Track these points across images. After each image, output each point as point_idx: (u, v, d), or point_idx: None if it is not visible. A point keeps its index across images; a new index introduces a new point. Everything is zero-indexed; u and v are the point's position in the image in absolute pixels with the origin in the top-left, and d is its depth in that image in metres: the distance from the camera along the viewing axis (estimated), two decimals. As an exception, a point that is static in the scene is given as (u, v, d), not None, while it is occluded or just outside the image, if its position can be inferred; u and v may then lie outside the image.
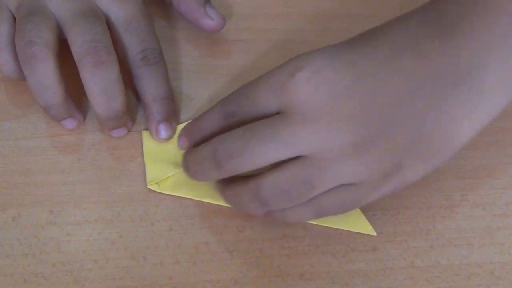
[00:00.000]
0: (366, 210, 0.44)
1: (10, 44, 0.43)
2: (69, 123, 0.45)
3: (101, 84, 0.42)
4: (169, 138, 0.45)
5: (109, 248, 0.43)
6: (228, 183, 0.41)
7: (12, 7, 0.44)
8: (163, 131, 0.45)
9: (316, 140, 0.37)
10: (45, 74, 0.42)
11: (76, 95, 0.46)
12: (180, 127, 0.46)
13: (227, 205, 0.43)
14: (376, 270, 0.43)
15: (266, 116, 0.38)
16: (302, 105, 0.37)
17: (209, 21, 0.47)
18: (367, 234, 0.44)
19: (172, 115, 0.45)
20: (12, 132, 0.46)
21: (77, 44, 0.42)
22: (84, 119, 0.46)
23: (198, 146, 0.40)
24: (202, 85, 0.48)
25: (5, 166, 0.45)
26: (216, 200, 0.44)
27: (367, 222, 0.43)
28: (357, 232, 0.44)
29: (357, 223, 0.43)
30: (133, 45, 0.44)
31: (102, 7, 0.44)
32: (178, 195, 0.44)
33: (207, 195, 0.44)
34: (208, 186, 0.44)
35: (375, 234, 0.43)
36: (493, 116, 0.38)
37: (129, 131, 0.46)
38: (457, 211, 0.44)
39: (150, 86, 0.45)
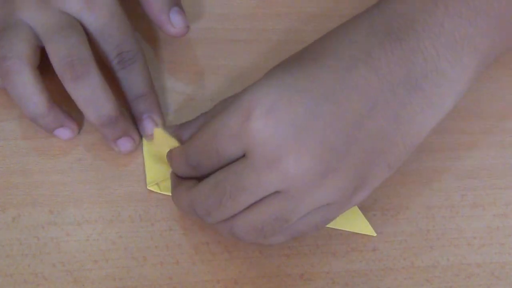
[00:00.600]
0: (366, 210, 0.44)
1: None
2: (62, 133, 0.45)
3: (85, 95, 0.42)
4: (154, 133, 0.45)
5: (109, 248, 0.43)
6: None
7: None
8: (147, 127, 0.45)
9: (285, 179, 0.36)
10: (23, 86, 0.42)
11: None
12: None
13: None
14: (376, 270, 0.43)
15: (232, 161, 0.38)
16: (264, 148, 0.36)
17: (171, 28, 0.46)
18: (367, 234, 0.44)
19: (153, 110, 0.45)
20: (12, 132, 0.46)
21: (55, 61, 0.42)
22: (80, 128, 0.46)
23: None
24: (202, 85, 0.48)
25: (5, 166, 0.45)
26: None
27: (367, 223, 0.43)
28: (357, 233, 0.44)
29: (357, 224, 0.43)
30: (108, 52, 0.44)
31: (74, 15, 0.43)
32: None
33: None
34: None
35: (375, 234, 0.43)
36: (444, 115, 0.39)
37: (137, 144, 0.45)
38: (457, 211, 0.44)
39: (128, 87, 0.45)
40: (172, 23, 0.46)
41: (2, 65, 0.42)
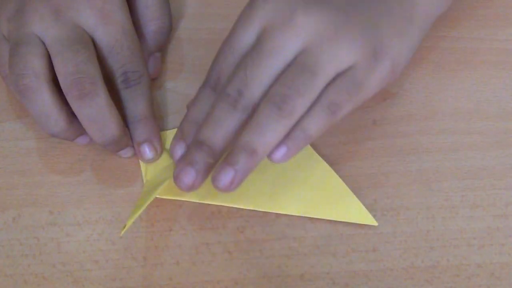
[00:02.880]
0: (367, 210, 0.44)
1: None
2: (82, 140, 0.44)
3: (89, 115, 0.41)
4: (154, 158, 0.45)
5: (109, 248, 0.43)
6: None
7: (5, 33, 0.44)
8: (146, 152, 0.44)
9: (299, 31, 0.39)
10: (42, 104, 0.41)
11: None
12: (172, 132, 0.46)
13: (225, 205, 0.44)
14: (376, 270, 0.43)
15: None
16: (275, 15, 0.40)
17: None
18: (367, 235, 0.43)
19: (153, 135, 0.44)
20: (12, 132, 0.46)
21: (62, 76, 0.41)
22: None
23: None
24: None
25: (5, 166, 0.45)
26: (214, 200, 0.44)
27: (367, 213, 0.43)
28: (357, 233, 0.43)
29: (358, 214, 0.43)
30: (114, 69, 0.44)
31: (87, 29, 0.43)
32: (176, 198, 0.44)
33: (204, 196, 0.44)
34: (206, 187, 0.44)
35: (376, 224, 0.43)
36: None
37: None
38: (457, 212, 0.44)
39: (129, 108, 0.44)
40: (148, 65, 0.47)
41: (19, 83, 0.41)
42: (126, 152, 0.45)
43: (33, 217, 0.44)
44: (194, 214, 0.44)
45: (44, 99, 0.41)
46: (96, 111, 0.41)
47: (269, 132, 0.39)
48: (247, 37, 0.41)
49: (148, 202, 0.41)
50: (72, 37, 0.42)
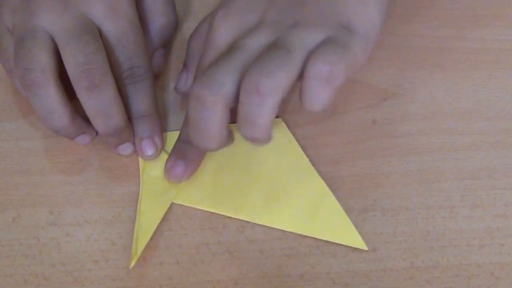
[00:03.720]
0: (366, 210, 0.44)
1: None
2: (82, 139, 0.44)
3: (97, 106, 0.41)
4: (154, 156, 0.44)
5: (109, 248, 0.43)
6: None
7: (9, 26, 0.43)
8: (147, 149, 0.44)
9: (269, 30, 0.39)
10: (47, 99, 0.41)
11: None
12: (172, 134, 0.46)
13: (220, 213, 0.44)
14: (376, 270, 0.43)
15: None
16: (241, 24, 0.41)
17: None
18: (367, 235, 0.43)
19: (155, 132, 0.44)
20: (12, 132, 0.46)
21: (71, 66, 0.41)
22: (97, 133, 0.45)
23: None
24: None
25: (5, 166, 0.45)
26: (208, 207, 0.44)
27: (358, 236, 0.43)
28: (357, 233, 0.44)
29: (349, 237, 0.43)
30: (120, 62, 0.44)
31: (95, 20, 0.43)
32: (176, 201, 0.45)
33: (198, 203, 0.44)
34: (202, 194, 0.44)
35: (366, 248, 0.43)
36: None
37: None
38: (457, 212, 0.44)
39: (133, 104, 0.44)
40: (152, 60, 0.47)
41: (25, 77, 0.41)
42: (126, 148, 0.45)
43: (33, 217, 0.44)
44: (194, 213, 0.44)
45: (50, 94, 0.41)
46: (104, 102, 0.41)
47: (259, 118, 0.37)
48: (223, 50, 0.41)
49: (155, 226, 0.43)
50: (81, 28, 0.42)
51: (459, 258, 0.43)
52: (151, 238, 0.43)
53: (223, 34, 0.41)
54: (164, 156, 0.45)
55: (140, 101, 0.44)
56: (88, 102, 0.41)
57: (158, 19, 0.47)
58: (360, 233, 0.43)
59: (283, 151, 0.45)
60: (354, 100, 0.47)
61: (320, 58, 0.37)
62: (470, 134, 0.47)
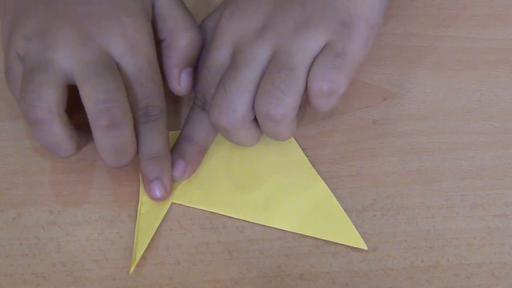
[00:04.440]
0: (366, 210, 0.44)
1: None
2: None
3: (113, 145, 0.40)
4: (163, 198, 0.43)
5: (109, 248, 0.43)
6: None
7: (21, 53, 0.41)
8: (156, 191, 0.43)
9: (267, 39, 0.41)
10: (52, 136, 0.40)
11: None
12: (172, 134, 0.46)
13: (220, 213, 0.44)
14: (376, 270, 0.43)
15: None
16: (242, 31, 0.42)
17: (176, 84, 0.45)
18: (367, 234, 0.43)
19: (164, 174, 0.43)
20: (12, 132, 0.46)
21: (90, 103, 0.40)
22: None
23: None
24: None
25: (5, 166, 0.45)
26: (209, 207, 0.44)
27: (358, 236, 0.43)
28: (357, 232, 0.44)
29: (349, 237, 0.43)
30: (136, 100, 0.42)
31: (114, 55, 0.41)
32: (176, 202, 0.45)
33: (199, 203, 0.44)
34: (201, 194, 0.44)
35: (366, 248, 0.43)
36: None
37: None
38: (457, 212, 0.44)
39: (145, 143, 0.43)
40: (180, 80, 0.45)
41: (31, 113, 0.39)
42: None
43: (33, 216, 0.44)
44: (194, 213, 0.44)
45: (55, 132, 0.40)
46: (119, 143, 0.40)
47: (280, 134, 0.43)
48: (221, 57, 0.43)
49: (154, 229, 0.43)
50: (100, 64, 0.40)
51: (459, 257, 0.43)
52: (151, 238, 0.43)
53: (229, 33, 0.43)
54: None
55: (153, 141, 0.43)
56: (104, 140, 0.40)
57: (183, 36, 0.45)
58: (360, 232, 0.43)
59: (283, 151, 0.46)
60: (354, 100, 0.47)
61: (319, 77, 0.40)
62: (470, 133, 0.47)
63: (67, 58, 0.40)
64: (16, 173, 0.45)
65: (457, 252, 0.43)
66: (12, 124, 0.46)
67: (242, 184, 0.45)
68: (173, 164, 0.44)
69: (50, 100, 0.39)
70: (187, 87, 0.45)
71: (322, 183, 0.44)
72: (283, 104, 0.40)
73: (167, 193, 0.43)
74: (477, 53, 0.49)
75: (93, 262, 0.43)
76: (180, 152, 0.44)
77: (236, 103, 0.41)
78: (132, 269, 0.42)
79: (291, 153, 0.46)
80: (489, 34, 0.50)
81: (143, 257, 0.43)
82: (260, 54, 0.41)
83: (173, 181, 0.44)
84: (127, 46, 0.41)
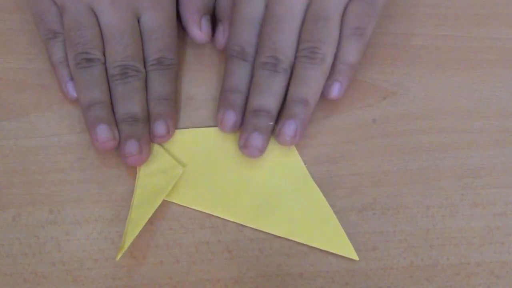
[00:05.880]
0: (366, 210, 0.44)
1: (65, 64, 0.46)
2: (101, 131, 0.43)
3: (123, 91, 0.44)
4: (164, 138, 0.44)
5: (109, 247, 0.43)
6: None
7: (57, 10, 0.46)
8: (159, 128, 0.44)
9: None
10: (91, 75, 0.44)
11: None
12: (179, 131, 0.46)
13: (216, 215, 0.44)
14: (376, 269, 0.43)
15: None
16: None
17: (197, 30, 0.47)
18: (367, 234, 0.44)
19: (169, 115, 0.45)
20: (12, 132, 0.46)
21: (110, 61, 0.45)
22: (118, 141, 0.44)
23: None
24: (203, 84, 0.48)
25: (5, 166, 0.45)
26: (205, 209, 0.44)
27: (350, 246, 0.43)
28: (357, 232, 0.43)
29: (341, 246, 0.43)
30: (150, 52, 0.46)
31: (138, 9, 0.46)
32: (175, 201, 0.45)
33: (198, 204, 0.44)
34: (200, 195, 0.44)
35: (357, 259, 0.43)
36: None
37: (143, 158, 0.44)
38: (457, 211, 0.44)
39: (155, 87, 0.45)
40: (202, 25, 0.47)
41: (89, 113, 0.44)
42: (131, 146, 0.43)
43: (33, 216, 0.44)
44: (194, 213, 0.44)
45: (94, 73, 0.44)
46: (129, 89, 0.44)
47: (312, 81, 0.44)
48: (256, 6, 0.45)
49: (145, 221, 0.42)
50: (123, 28, 0.45)
51: (459, 256, 0.43)
52: (151, 237, 0.43)
53: None
54: (160, 153, 0.45)
55: (161, 85, 0.45)
56: (117, 89, 0.44)
57: None
58: (360, 231, 0.43)
59: (281, 156, 0.45)
60: (354, 99, 0.47)
61: (353, 24, 0.45)
62: (470, 132, 0.47)
63: (101, 12, 0.45)
64: (16, 172, 0.45)
65: (457, 251, 0.43)
66: (12, 123, 0.46)
67: (237, 187, 0.45)
68: (223, 116, 0.45)
69: (96, 45, 0.45)
70: (208, 33, 0.47)
71: (317, 191, 0.44)
72: (316, 88, 0.44)
73: (169, 134, 0.45)
74: (477, 52, 0.49)
75: (93, 261, 0.43)
76: (228, 103, 0.45)
77: (286, 53, 0.44)
78: (119, 256, 0.41)
79: (288, 159, 0.45)
80: (489, 33, 0.50)
81: (143, 256, 0.43)
82: (298, 6, 0.44)
83: (226, 132, 0.45)
84: (150, 2, 0.46)
